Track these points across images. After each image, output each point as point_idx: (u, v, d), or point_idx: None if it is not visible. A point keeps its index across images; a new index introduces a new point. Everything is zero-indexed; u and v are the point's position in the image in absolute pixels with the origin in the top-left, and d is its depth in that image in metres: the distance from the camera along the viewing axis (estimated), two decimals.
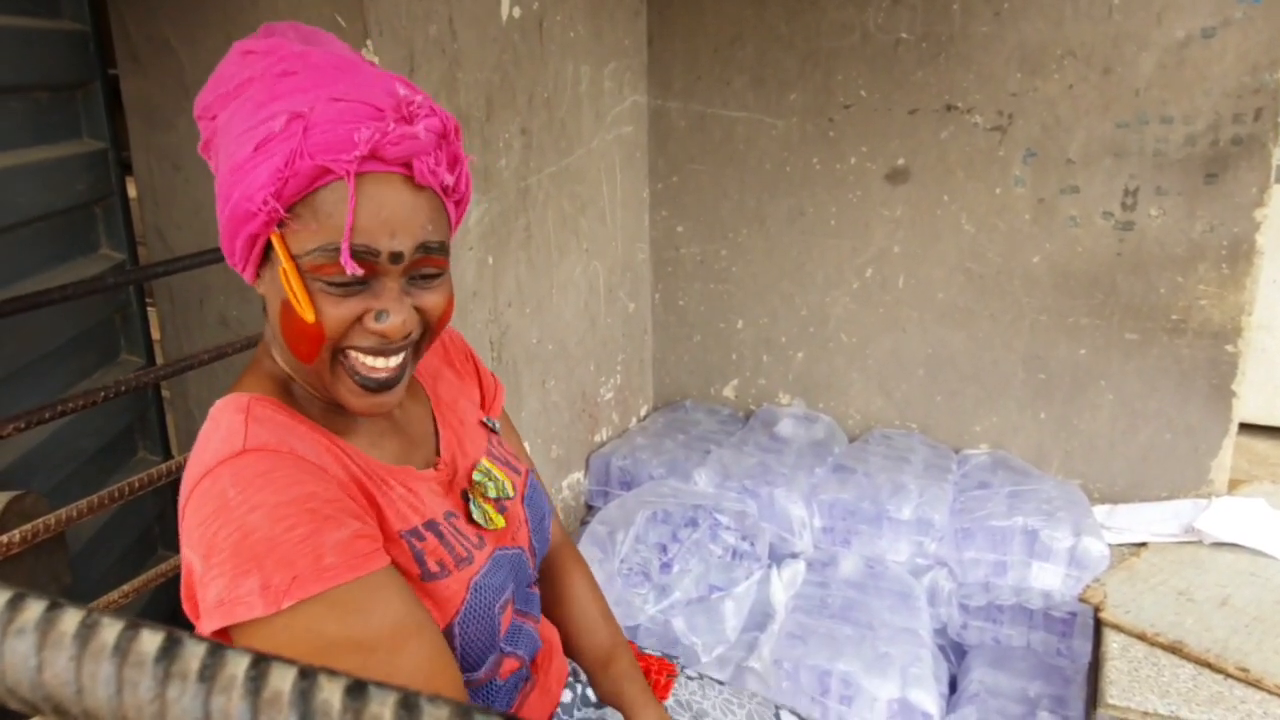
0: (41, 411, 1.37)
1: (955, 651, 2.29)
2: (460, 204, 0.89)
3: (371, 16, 1.78)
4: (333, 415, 0.90)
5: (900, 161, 2.70)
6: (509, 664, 0.98)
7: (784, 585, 2.29)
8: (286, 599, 0.71)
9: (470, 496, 0.96)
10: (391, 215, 0.79)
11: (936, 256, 2.71)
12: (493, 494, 0.97)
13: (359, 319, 0.81)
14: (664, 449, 2.82)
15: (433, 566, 0.87)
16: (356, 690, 0.18)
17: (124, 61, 2.01)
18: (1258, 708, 1.72)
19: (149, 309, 2.23)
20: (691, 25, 2.87)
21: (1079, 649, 2.14)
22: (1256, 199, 2.32)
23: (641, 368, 3.18)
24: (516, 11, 2.24)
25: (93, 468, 2.01)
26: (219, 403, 0.86)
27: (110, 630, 0.19)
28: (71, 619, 0.20)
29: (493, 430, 1.10)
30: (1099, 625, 2.05)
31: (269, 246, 0.81)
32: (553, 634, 1.14)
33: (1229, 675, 1.80)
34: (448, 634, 0.87)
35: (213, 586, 0.74)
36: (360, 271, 0.78)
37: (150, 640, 0.19)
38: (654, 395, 3.28)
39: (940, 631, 2.29)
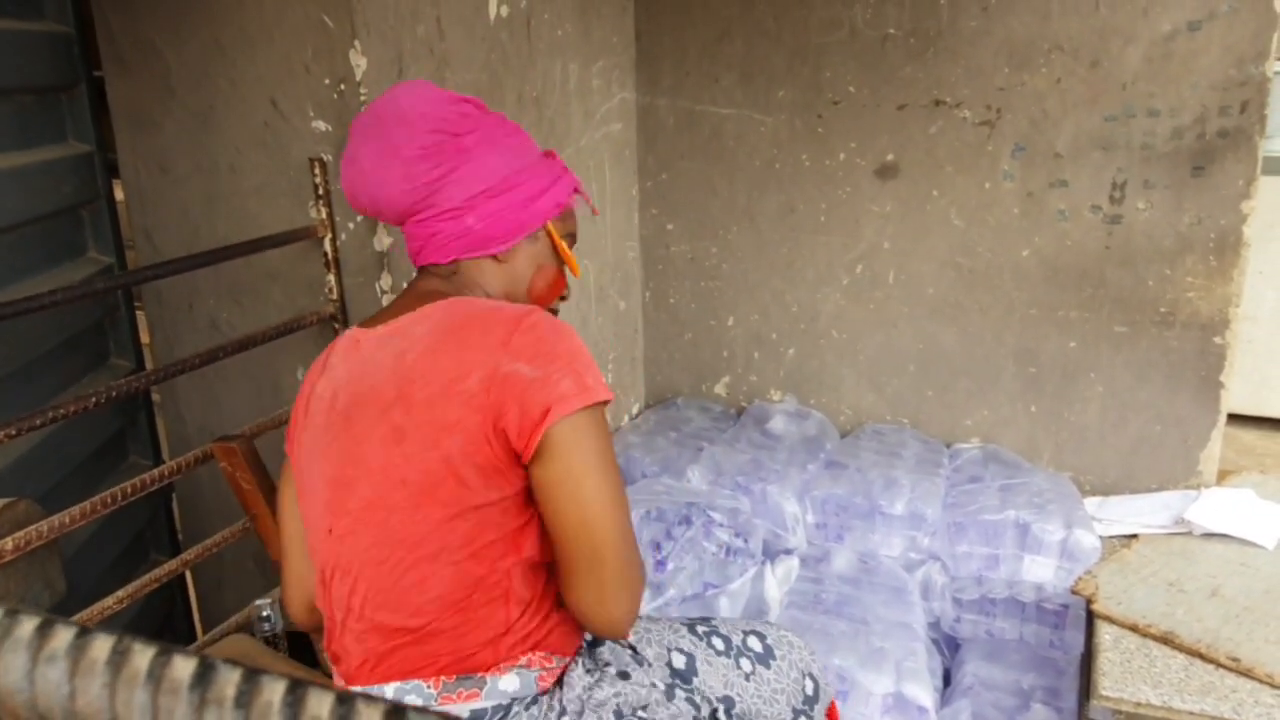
0: (32, 418, 1.37)
1: (949, 645, 2.30)
2: None
3: (359, 17, 1.78)
4: None
5: (889, 157, 2.70)
6: None
7: (778, 581, 2.29)
8: (608, 394, 1.05)
9: None
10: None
11: (926, 251, 2.72)
12: None
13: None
14: (656, 447, 2.82)
15: None
16: (395, 715, 0.18)
17: (109, 64, 1.99)
18: (1249, 697, 1.73)
19: (138, 312, 2.22)
20: (679, 22, 2.87)
21: (1072, 641, 2.16)
22: (1243, 191, 2.33)
23: (633, 366, 3.18)
24: (504, 10, 2.23)
25: (84, 473, 2.00)
26: (498, 303, 1.16)
27: (143, 656, 0.19)
28: (103, 645, 0.19)
29: None
30: (1091, 617, 2.06)
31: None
32: None
33: (1220, 665, 1.81)
34: None
35: (561, 383, 1.01)
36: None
37: (184, 667, 0.19)
38: (646, 393, 3.28)
39: (934, 625, 2.30)
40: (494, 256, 1.20)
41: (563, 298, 1.30)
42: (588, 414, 1.02)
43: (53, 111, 1.96)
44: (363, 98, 1.80)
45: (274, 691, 0.18)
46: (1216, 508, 2.32)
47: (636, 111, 2.99)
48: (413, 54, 1.93)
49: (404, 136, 1.14)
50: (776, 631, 1.43)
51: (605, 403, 1.04)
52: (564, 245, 1.25)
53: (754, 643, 1.37)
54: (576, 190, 1.27)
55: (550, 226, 1.24)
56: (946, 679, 2.20)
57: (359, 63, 1.79)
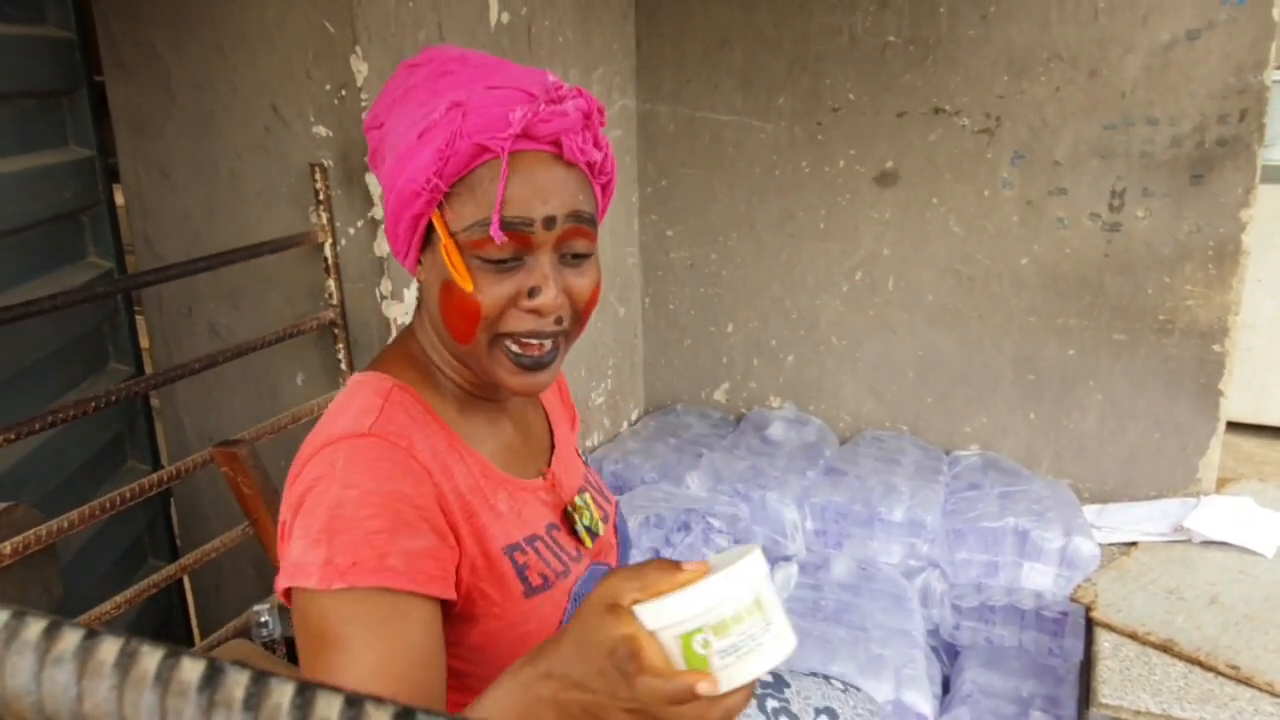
0: (32, 422, 1.36)
1: (948, 652, 2.30)
2: (607, 188, 0.93)
3: (360, 23, 1.78)
4: (465, 415, 0.94)
5: (889, 164, 2.71)
6: None
7: (777, 588, 2.29)
8: (340, 581, 0.74)
9: (572, 512, 0.99)
10: (544, 185, 0.83)
11: (925, 259, 2.72)
12: (586, 522, 1.00)
13: (514, 301, 0.84)
14: (655, 453, 2.82)
15: (535, 580, 0.90)
16: (404, 717, 0.18)
17: (110, 68, 1.99)
18: (1248, 705, 1.73)
19: (137, 317, 2.21)
20: (680, 29, 2.87)
21: (1071, 648, 2.15)
22: (1242, 199, 2.33)
23: (632, 372, 3.18)
24: (505, 17, 2.24)
25: (82, 478, 1.99)
26: (362, 376, 0.92)
27: (150, 658, 0.19)
28: (111, 647, 0.19)
29: (584, 460, 1.14)
30: (1090, 625, 2.06)
31: (429, 233, 0.86)
32: None
33: (1220, 673, 1.81)
34: None
35: (294, 546, 0.79)
36: (505, 239, 0.81)
37: (192, 669, 0.19)
38: (645, 399, 3.28)
39: (933, 632, 2.30)
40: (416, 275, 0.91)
41: (528, 334, 0.85)
42: (318, 598, 0.76)
43: (54, 116, 1.96)
44: (363, 103, 1.80)
45: (283, 694, 0.18)
46: (1216, 516, 2.32)
47: (637, 118, 3.00)
48: None
49: None
50: (852, 708, 1.32)
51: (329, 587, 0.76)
52: (451, 245, 0.83)
53: None
54: (478, 149, 0.81)
55: (438, 222, 0.84)
56: (946, 686, 2.19)
57: (360, 68, 1.79)
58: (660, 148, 3.00)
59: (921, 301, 2.76)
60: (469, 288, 0.83)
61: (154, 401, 2.31)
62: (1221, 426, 2.49)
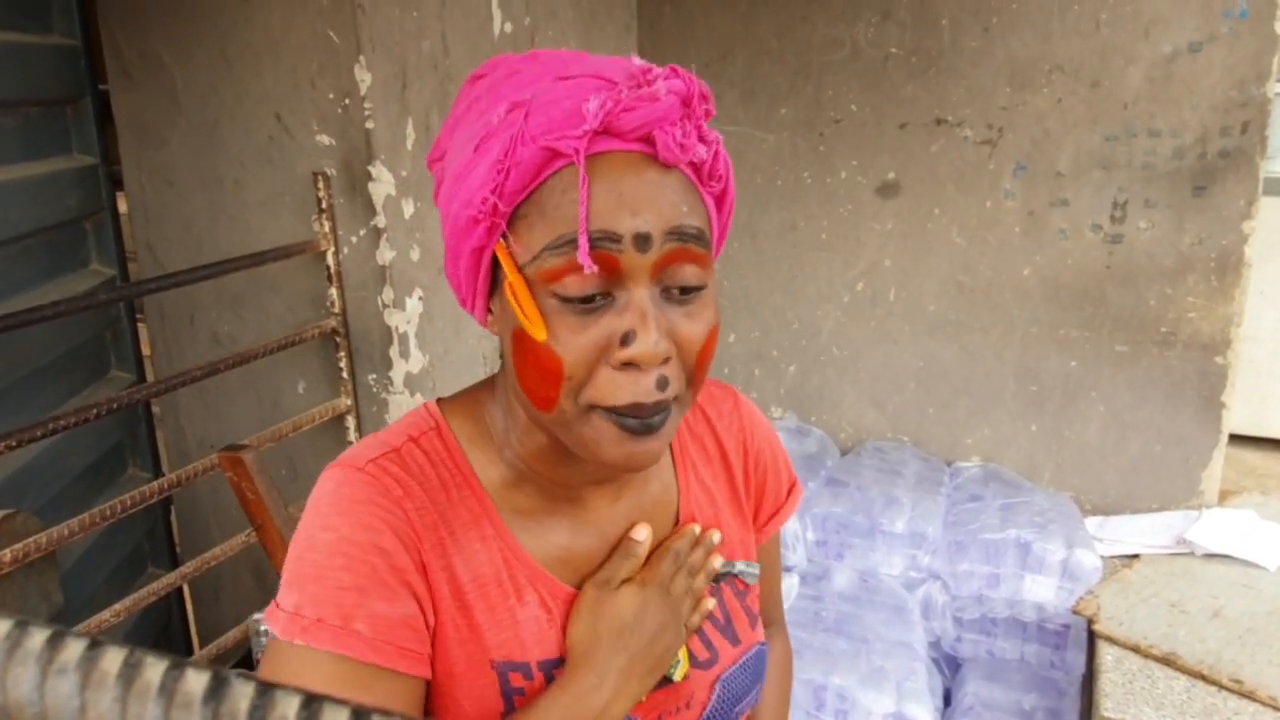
0: (33, 429, 1.36)
1: (949, 664, 2.29)
2: (723, 201, 0.71)
3: (365, 33, 1.78)
4: (518, 490, 0.75)
5: (891, 175, 2.71)
6: None
7: None
8: (300, 637, 0.64)
9: None
10: (633, 194, 0.63)
11: (927, 269, 2.72)
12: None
13: (603, 354, 0.64)
14: None
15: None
16: None
17: (115, 77, 2.00)
18: (1251, 719, 1.72)
19: (139, 325, 2.22)
20: (682, 40, 2.88)
21: (1073, 661, 2.15)
22: (1244, 211, 2.34)
23: None
24: (508, 26, 2.24)
25: (82, 485, 1.99)
26: (422, 407, 0.77)
27: (155, 670, 0.19)
28: (114, 658, 0.19)
29: (736, 577, 0.85)
30: (1093, 637, 2.06)
31: (496, 271, 0.68)
32: None
33: (1223, 687, 1.81)
34: None
35: (284, 573, 0.69)
36: (595, 268, 0.62)
37: (196, 680, 0.19)
38: None
39: (934, 644, 2.29)
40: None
41: (626, 413, 0.65)
42: (278, 646, 0.66)
43: (58, 124, 1.97)
44: (367, 112, 1.81)
45: (288, 706, 0.18)
46: (1218, 528, 2.32)
47: None
48: (417, 69, 1.93)
49: None
50: None
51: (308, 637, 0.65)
52: (518, 281, 0.64)
53: None
54: (548, 153, 0.62)
55: (502, 254, 0.65)
56: (947, 699, 2.19)
57: (364, 78, 1.79)
58: None
59: (923, 312, 2.76)
60: (542, 335, 0.63)
61: (155, 409, 2.31)
62: (1224, 439, 2.48)
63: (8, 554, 1.31)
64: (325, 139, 1.86)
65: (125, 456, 2.21)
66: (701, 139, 0.65)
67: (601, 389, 0.64)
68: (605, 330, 0.64)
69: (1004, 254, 2.62)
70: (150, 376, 2.25)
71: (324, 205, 1.86)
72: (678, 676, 0.76)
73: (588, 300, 0.63)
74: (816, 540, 2.50)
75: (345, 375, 1.94)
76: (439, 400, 0.79)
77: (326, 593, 0.65)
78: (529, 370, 0.66)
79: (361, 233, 1.90)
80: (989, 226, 2.62)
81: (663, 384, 0.64)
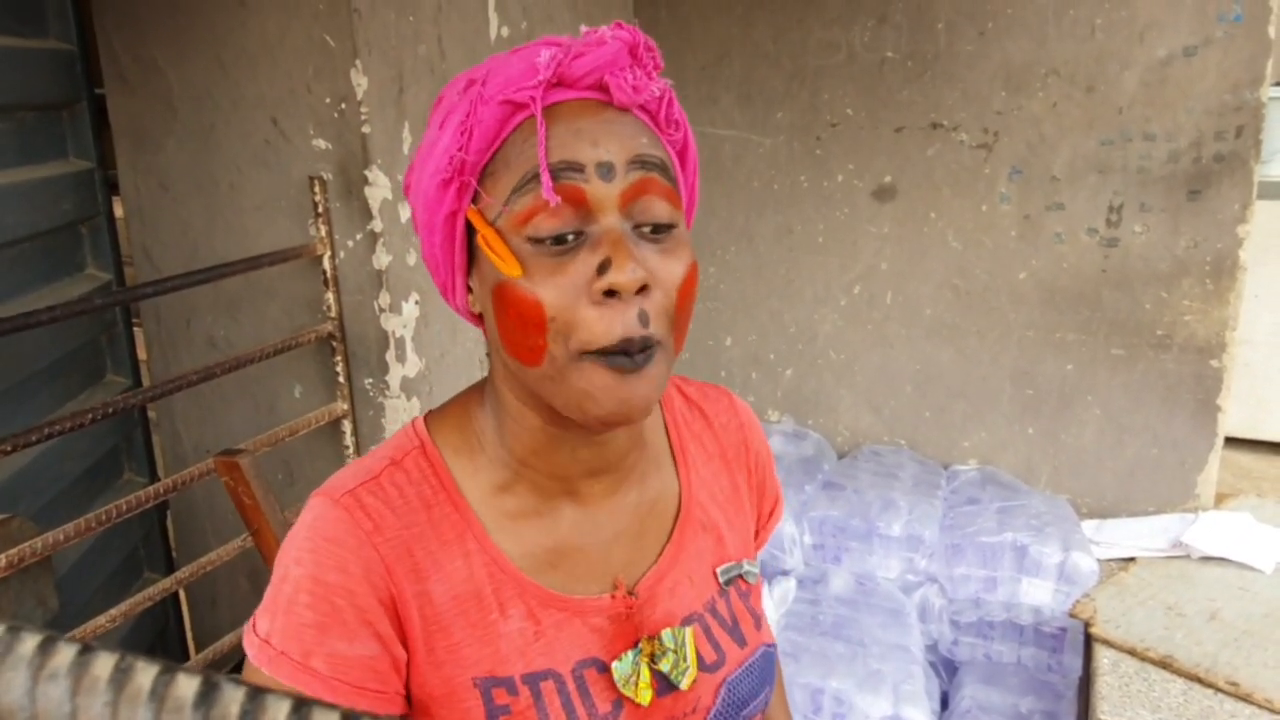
0: (28, 434, 1.36)
1: (946, 668, 2.29)
2: (685, 154, 0.74)
3: (361, 37, 1.79)
4: (504, 498, 0.74)
5: (887, 179, 2.71)
6: None
7: (775, 603, 2.28)
8: (267, 666, 0.66)
9: (638, 651, 0.73)
10: (592, 129, 0.64)
11: (924, 273, 2.73)
12: (664, 667, 0.73)
13: (583, 291, 0.63)
14: None
15: None
16: None
17: (111, 81, 2.00)
18: None
19: (135, 329, 2.21)
20: (679, 44, 2.88)
21: (1070, 664, 2.15)
22: (1239, 215, 2.34)
23: None
24: (505, 31, 2.25)
25: (78, 490, 1.99)
26: (408, 425, 0.76)
27: (146, 675, 0.19)
28: (105, 663, 0.19)
29: (741, 579, 0.84)
30: (1089, 640, 2.06)
31: (472, 247, 0.68)
32: None
33: (1219, 689, 1.81)
34: None
35: (266, 592, 0.70)
36: (559, 200, 0.62)
37: (187, 685, 0.19)
38: None
39: (931, 648, 2.29)
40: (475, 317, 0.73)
41: (609, 351, 0.63)
42: (248, 668, 0.68)
43: (54, 128, 1.97)
44: (363, 117, 1.81)
45: (279, 710, 0.18)
46: (1214, 531, 2.32)
47: None
48: (414, 73, 1.94)
49: None
50: None
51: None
52: (490, 234, 0.64)
53: None
54: (508, 108, 0.64)
55: (474, 216, 0.66)
56: (944, 702, 2.19)
57: (360, 82, 1.80)
58: None
59: (920, 316, 2.76)
60: (517, 273, 0.63)
61: (151, 414, 2.30)
62: (1220, 442, 2.49)
63: (3, 559, 1.31)
64: (321, 143, 1.86)
65: (121, 461, 2.20)
66: (651, 80, 0.67)
67: (587, 328, 0.63)
68: (582, 266, 0.63)
69: (1000, 257, 2.62)
70: (146, 381, 2.25)
71: (320, 209, 1.86)
72: (685, 684, 0.73)
73: (560, 240, 0.63)
74: (813, 544, 2.50)
75: (342, 379, 1.94)
76: (428, 413, 0.78)
77: (291, 627, 0.66)
78: (512, 323, 0.65)
79: (358, 237, 1.90)
80: (985, 230, 2.62)
81: (644, 318, 0.64)
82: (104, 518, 1.46)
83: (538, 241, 0.63)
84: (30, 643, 0.19)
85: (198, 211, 2.00)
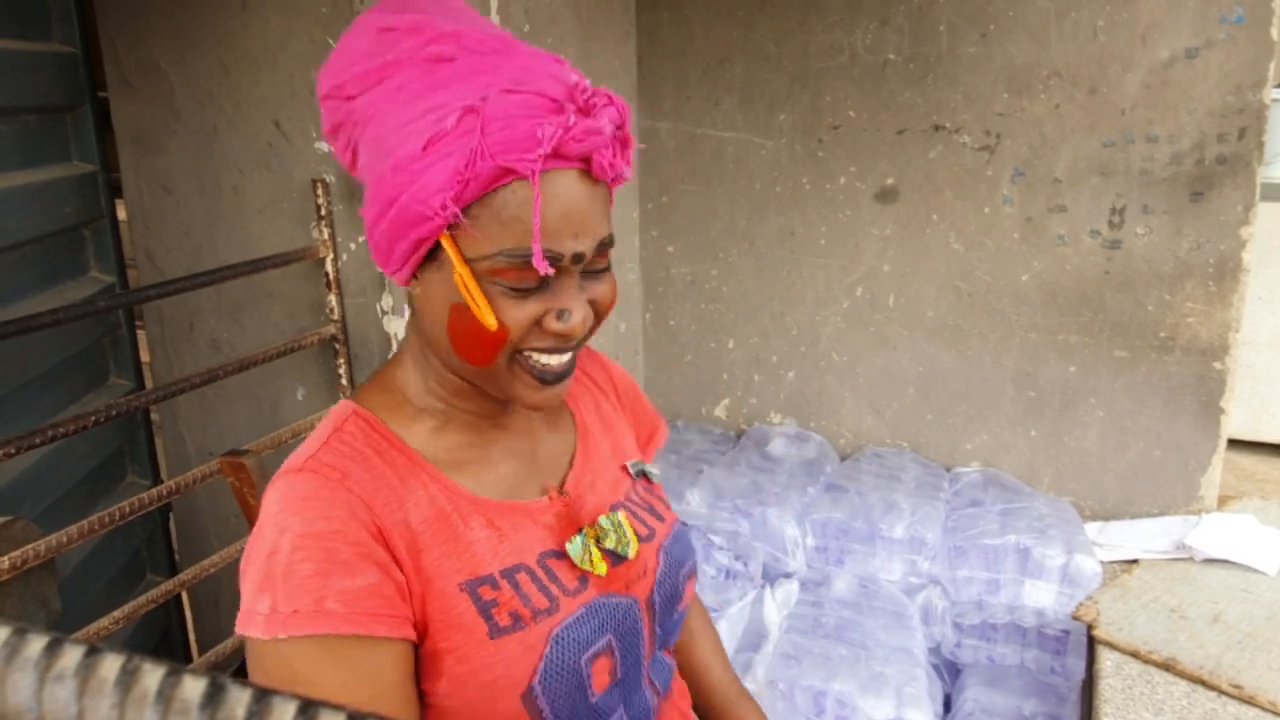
0: (32, 436, 1.36)
1: (949, 670, 2.29)
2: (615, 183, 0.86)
3: None
4: (440, 439, 0.86)
5: (889, 181, 2.71)
6: None
7: (778, 605, 2.28)
8: (283, 630, 0.71)
9: (584, 535, 0.87)
10: (573, 214, 0.75)
11: (926, 275, 2.73)
12: (610, 545, 0.88)
13: (538, 323, 0.78)
14: None
15: (503, 620, 0.79)
16: None
17: (114, 84, 2.00)
18: None
19: (139, 331, 2.22)
20: (681, 46, 2.89)
21: (1073, 667, 2.14)
22: (1242, 217, 2.34)
23: None
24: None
25: (81, 492, 1.99)
26: (337, 405, 0.87)
27: (152, 676, 0.19)
28: (112, 665, 0.19)
29: (644, 477, 1.02)
30: (1092, 643, 2.05)
31: (433, 248, 0.77)
32: (679, 702, 1.03)
33: (1223, 692, 1.80)
34: (529, 699, 0.78)
35: (245, 592, 0.75)
36: (552, 272, 0.75)
37: (193, 687, 0.19)
38: None
39: (934, 650, 2.29)
40: (409, 286, 0.82)
41: (548, 351, 0.80)
42: (263, 647, 0.72)
43: (57, 131, 1.97)
44: None
45: (285, 711, 0.18)
46: (1217, 533, 2.32)
47: (638, 135, 3.00)
48: None
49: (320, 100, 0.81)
50: None
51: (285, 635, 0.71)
52: (468, 274, 0.74)
53: None
54: (501, 170, 0.72)
55: (449, 246, 0.75)
56: (947, 705, 2.18)
57: None
58: (661, 164, 3.01)
59: (922, 318, 2.76)
60: (493, 324, 0.75)
61: (154, 416, 2.31)
62: (1223, 444, 2.48)
63: (6, 561, 1.31)
64: (324, 146, 1.86)
65: (124, 463, 2.21)
66: (625, 158, 0.79)
67: (531, 340, 0.79)
68: (541, 306, 0.77)
69: (1002, 260, 2.62)
70: (149, 383, 2.25)
71: (323, 212, 1.86)
72: (632, 553, 0.88)
73: (528, 288, 0.77)
74: (816, 546, 2.50)
75: (344, 381, 1.94)
76: (354, 394, 0.89)
77: (295, 585, 0.71)
78: (468, 337, 0.77)
79: (360, 239, 1.90)
80: (987, 232, 2.62)
81: (577, 344, 0.81)
82: (107, 520, 1.46)
83: (510, 288, 0.76)
84: (37, 644, 0.19)
85: (200, 214, 2.01)
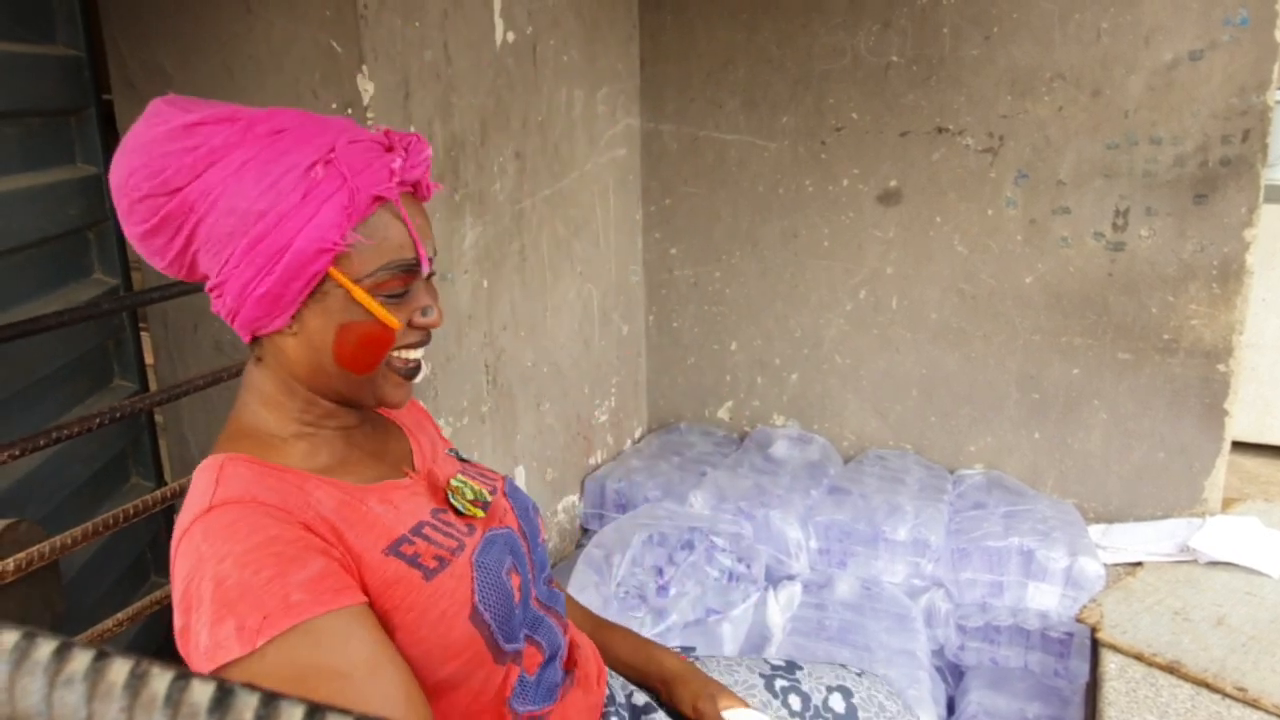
0: (36, 438, 1.36)
1: (953, 673, 2.29)
2: None
3: (367, 43, 1.79)
4: (312, 455, 0.97)
5: (892, 183, 2.71)
6: (531, 653, 1.02)
7: (781, 607, 2.28)
8: (260, 638, 0.75)
9: (451, 494, 1.05)
10: (423, 226, 0.95)
11: (929, 277, 2.72)
12: (470, 496, 1.05)
13: (410, 323, 0.95)
14: (659, 471, 2.81)
15: (430, 564, 0.92)
16: None
17: (119, 87, 2.01)
18: None
19: (142, 334, 2.22)
20: (684, 49, 2.89)
21: (1077, 670, 2.14)
22: (1245, 219, 2.34)
23: (636, 390, 3.18)
24: (510, 36, 2.25)
25: (85, 494, 1.99)
26: (199, 466, 0.93)
27: (161, 680, 0.19)
28: (121, 669, 0.19)
29: (460, 458, 1.20)
30: (1096, 646, 2.05)
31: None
32: (585, 639, 1.21)
33: (1227, 695, 1.80)
34: (475, 617, 0.92)
35: (200, 636, 0.77)
36: (431, 270, 0.96)
37: (202, 691, 0.19)
38: (648, 417, 3.27)
39: (937, 653, 2.28)
40: (281, 331, 0.92)
41: (414, 346, 0.97)
42: (248, 663, 0.75)
43: (61, 134, 1.97)
44: (369, 121, 1.81)
45: (292, 715, 0.18)
46: (1221, 536, 2.31)
47: (641, 137, 3.01)
48: (419, 78, 1.94)
49: (122, 211, 0.88)
50: (867, 689, 1.29)
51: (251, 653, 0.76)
52: (361, 294, 0.89)
53: (836, 702, 1.26)
54: (374, 200, 0.88)
55: (337, 275, 0.88)
56: (950, 707, 2.18)
57: (366, 87, 1.80)
58: (664, 166, 3.01)
59: (925, 320, 2.76)
60: (397, 324, 0.92)
61: (158, 418, 2.31)
62: (1227, 446, 2.48)
63: (11, 563, 1.31)
64: None
65: (128, 465, 2.21)
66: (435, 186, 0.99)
67: (401, 340, 0.94)
68: (411, 306, 0.95)
69: (1006, 262, 2.62)
70: (153, 385, 2.25)
71: None
72: (489, 499, 1.07)
73: (399, 295, 0.93)
74: (819, 548, 2.50)
75: None
76: (205, 461, 0.95)
77: (255, 597, 0.77)
78: (360, 348, 0.92)
79: None
80: (991, 234, 2.62)
81: (427, 342, 0.98)
82: (111, 522, 1.46)
83: (389, 296, 0.92)
84: (46, 648, 0.19)
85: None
